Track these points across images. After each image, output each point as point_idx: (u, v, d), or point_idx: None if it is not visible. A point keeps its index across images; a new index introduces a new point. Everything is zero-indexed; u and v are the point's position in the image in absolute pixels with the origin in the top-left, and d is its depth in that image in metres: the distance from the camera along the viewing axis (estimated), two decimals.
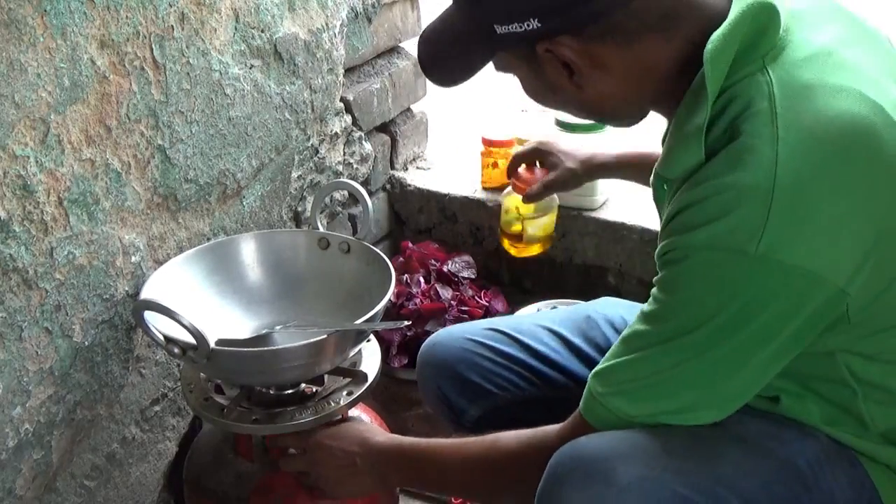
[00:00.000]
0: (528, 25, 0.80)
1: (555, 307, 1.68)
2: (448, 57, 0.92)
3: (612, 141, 1.54)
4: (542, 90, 0.90)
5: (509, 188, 1.45)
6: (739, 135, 0.76)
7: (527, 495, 0.95)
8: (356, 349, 1.16)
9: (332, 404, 1.10)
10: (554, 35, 0.81)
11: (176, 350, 0.98)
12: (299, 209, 1.48)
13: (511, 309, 1.71)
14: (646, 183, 1.02)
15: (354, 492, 1.10)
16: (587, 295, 1.73)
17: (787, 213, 0.73)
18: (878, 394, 0.86)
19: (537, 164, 1.38)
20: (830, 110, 0.76)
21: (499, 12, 0.82)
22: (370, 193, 1.78)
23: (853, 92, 0.77)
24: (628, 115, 0.92)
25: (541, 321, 1.23)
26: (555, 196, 1.45)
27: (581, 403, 0.90)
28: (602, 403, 0.87)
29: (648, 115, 0.94)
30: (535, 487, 0.93)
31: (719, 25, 0.78)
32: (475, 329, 1.22)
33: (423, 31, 0.95)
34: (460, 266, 1.74)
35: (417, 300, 1.64)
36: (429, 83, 1.88)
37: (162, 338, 0.98)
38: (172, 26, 1.07)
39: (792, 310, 0.77)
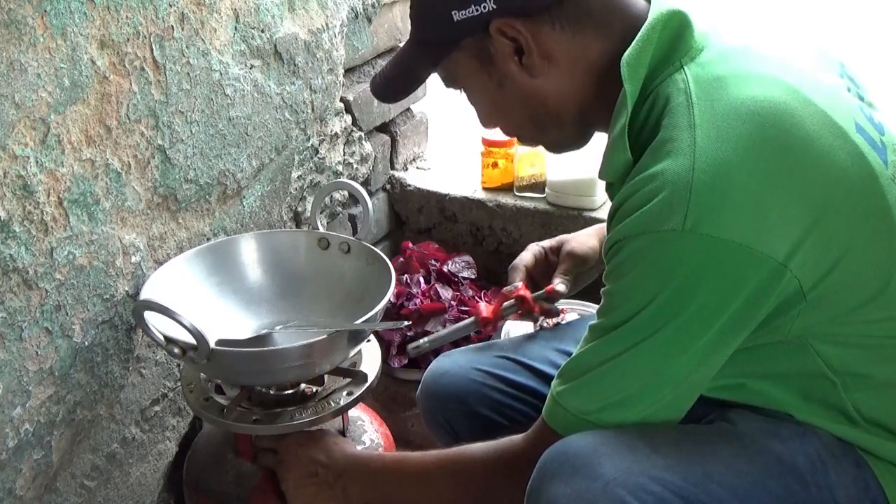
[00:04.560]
0: (484, 7, 0.86)
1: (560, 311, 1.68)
2: (399, 69, 1.00)
3: None
4: (491, 90, 0.93)
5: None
6: (661, 129, 0.82)
7: None
8: (356, 349, 1.16)
9: (332, 404, 1.10)
10: (507, 16, 0.86)
11: (176, 350, 0.98)
12: (299, 209, 1.48)
13: None
14: None
15: (309, 501, 1.07)
16: (586, 295, 1.74)
17: (708, 190, 0.76)
18: (856, 382, 0.86)
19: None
20: (743, 95, 0.81)
21: None
22: (370, 193, 1.79)
23: (766, 78, 0.83)
24: (570, 123, 0.94)
25: (551, 342, 1.21)
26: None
27: (544, 408, 0.91)
28: (560, 404, 0.87)
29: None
30: (501, 499, 0.93)
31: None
32: (483, 358, 1.19)
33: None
34: (460, 266, 1.74)
35: (417, 300, 1.64)
36: (429, 83, 1.89)
37: (162, 338, 0.98)
38: (172, 26, 1.07)
39: (730, 287, 0.78)
